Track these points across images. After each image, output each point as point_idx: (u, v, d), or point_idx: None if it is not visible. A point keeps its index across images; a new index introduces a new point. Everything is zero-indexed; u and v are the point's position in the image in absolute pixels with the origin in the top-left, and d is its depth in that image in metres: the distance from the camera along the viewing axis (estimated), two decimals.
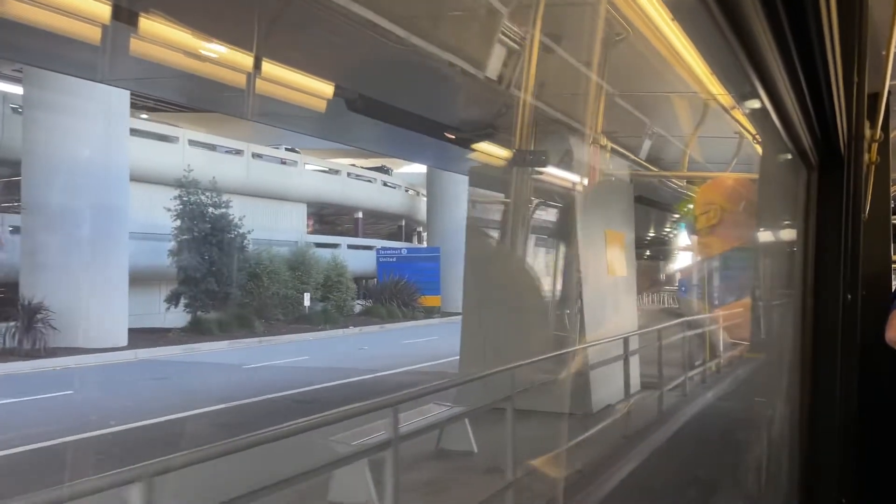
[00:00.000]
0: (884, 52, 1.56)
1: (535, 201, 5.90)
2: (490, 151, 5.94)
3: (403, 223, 24.75)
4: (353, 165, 21.67)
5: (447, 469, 3.76)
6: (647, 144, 6.58)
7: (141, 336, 12.30)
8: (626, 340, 4.91)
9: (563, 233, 5.89)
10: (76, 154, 10.90)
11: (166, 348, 11.66)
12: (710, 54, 0.94)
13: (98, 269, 11.01)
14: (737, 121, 5.05)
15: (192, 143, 15.46)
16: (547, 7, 4.36)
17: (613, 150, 6.17)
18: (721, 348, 7.09)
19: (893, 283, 1.94)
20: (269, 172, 17.85)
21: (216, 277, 13.47)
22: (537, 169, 5.75)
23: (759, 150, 3.60)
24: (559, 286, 5.76)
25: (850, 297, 1.44)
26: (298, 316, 16.02)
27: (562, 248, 5.96)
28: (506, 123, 5.51)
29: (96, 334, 10.75)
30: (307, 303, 16.16)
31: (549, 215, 6.26)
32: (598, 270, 5.94)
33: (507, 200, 5.93)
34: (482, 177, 6.39)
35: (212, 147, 16.39)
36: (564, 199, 5.92)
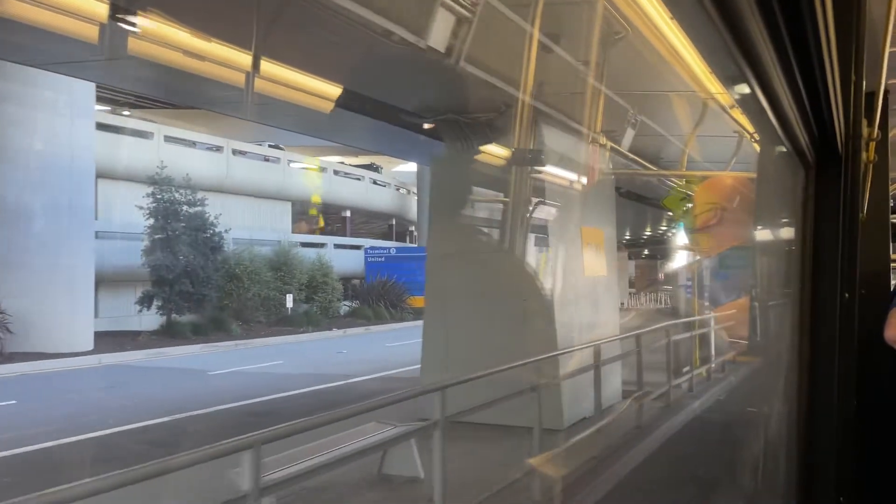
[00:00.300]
0: (881, 51, 1.63)
1: (502, 195, 5.70)
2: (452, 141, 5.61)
3: (394, 222, 24.74)
4: (342, 163, 21.63)
5: (384, 500, 3.28)
6: (629, 134, 6.18)
7: (109, 340, 12.16)
8: (597, 349, 4.59)
9: (533, 229, 5.62)
10: (36, 148, 10.72)
11: (134, 352, 11.56)
12: (707, 53, 0.98)
13: (60, 270, 10.84)
14: (735, 120, 5.15)
15: (168, 139, 15.32)
16: None
17: (593, 140, 5.91)
18: (713, 351, 7.06)
19: (892, 281, 2.02)
20: (250, 170, 17.75)
21: (191, 278, 13.38)
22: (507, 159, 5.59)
23: (757, 148, 3.69)
24: (528, 288, 5.40)
25: (847, 295, 1.50)
26: (280, 318, 15.95)
27: (530, 247, 5.69)
28: (464, 107, 5.26)
29: (59, 338, 10.58)
30: (290, 304, 16.09)
31: (518, 209, 5.95)
32: (572, 270, 5.68)
33: (474, 194, 5.75)
34: (445, 167, 6.06)
35: (191, 144, 16.25)
36: (535, 193, 5.60)
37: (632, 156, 6.82)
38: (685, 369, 6.39)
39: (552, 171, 5.65)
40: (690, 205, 7.12)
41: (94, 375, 9.59)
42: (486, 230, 5.78)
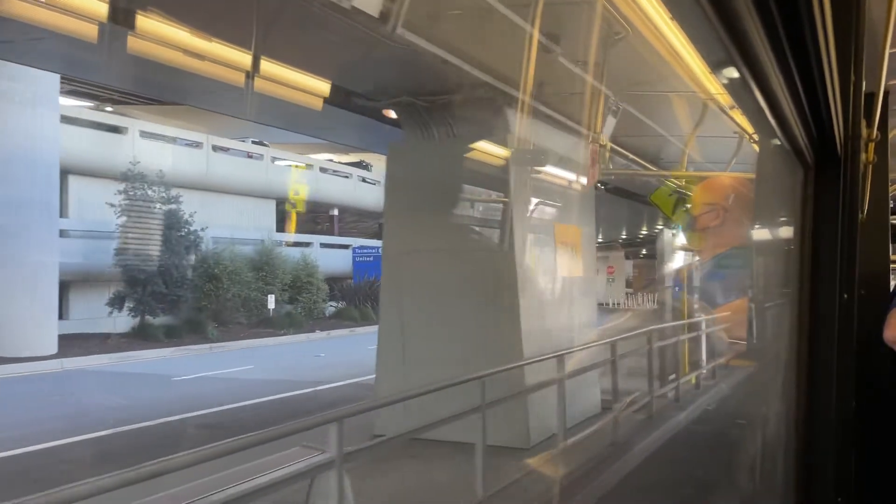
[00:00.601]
0: (881, 51, 1.70)
1: (467, 186, 5.33)
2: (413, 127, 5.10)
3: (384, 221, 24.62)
4: (331, 161, 21.57)
5: None
6: (610, 123, 5.79)
7: (76, 343, 12.01)
8: (563, 358, 4.13)
9: (497, 225, 5.19)
10: None
11: (101, 356, 11.43)
12: (705, 53, 1.02)
13: (21, 269, 10.67)
14: (734, 121, 5.21)
15: (144, 134, 15.17)
16: None
17: (566, 127, 5.55)
18: (704, 356, 6.90)
19: (892, 282, 2.09)
20: (232, 166, 17.64)
21: (164, 278, 13.27)
22: (470, 146, 5.16)
23: (756, 149, 3.75)
24: (492, 290, 5.02)
25: (846, 296, 1.56)
26: (261, 319, 15.87)
27: (496, 245, 5.23)
28: (419, 88, 4.84)
29: (19, 342, 10.45)
30: (271, 305, 16.03)
31: (482, 203, 5.53)
32: (542, 270, 5.36)
33: (434, 186, 5.22)
34: (401, 156, 5.62)
35: (171, 139, 16.10)
36: (501, 186, 5.16)
37: (624, 152, 6.68)
38: (671, 377, 6.06)
39: (519, 161, 5.28)
40: (677, 199, 6.96)
41: (49, 382, 9.41)
42: (446, 226, 5.34)
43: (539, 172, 5.49)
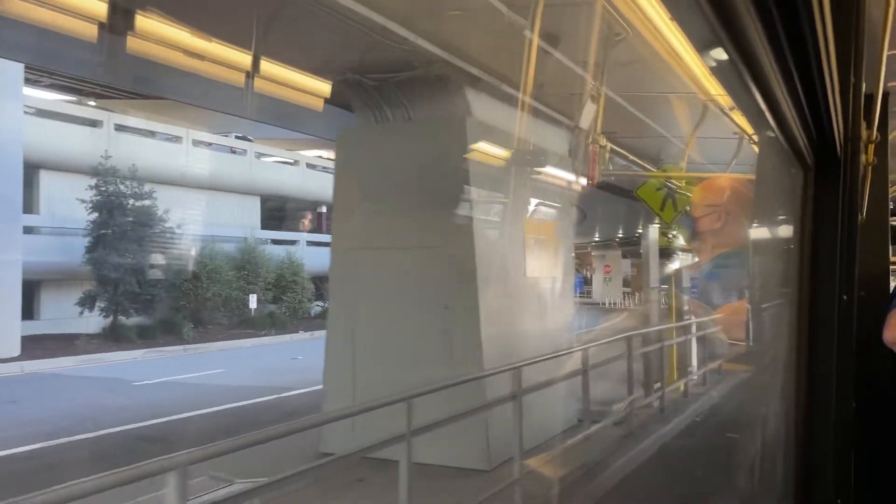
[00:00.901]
0: (880, 53, 1.75)
1: (424, 175, 4.80)
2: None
3: None
4: (320, 157, 21.48)
5: None
6: (590, 109, 5.40)
7: (43, 344, 11.88)
8: (517, 373, 3.62)
9: (458, 218, 4.77)
10: None
11: (65, 359, 11.33)
12: (704, 54, 1.04)
13: None
14: (734, 122, 5.26)
15: (119, 127, 15.00)
16: None
17: (542, 114, 5.19)
18: (694, 361, 6.74)
19: (892, 283, 2.16)
20: (213, 162, 17.50)
21: (137, 277, 13.15)
22: (428, 130, 4.73)
23: (756, 150, 3.80)
24: (451, 291, 4.67)
25: (845, 298, 1.61)
26: (242, 320, 15.78)
27: (457, 241, 4.76)
28: (367, 65, 4.43)
29: None
30: (253, 305, 15.95)
31: (441, 195, 4.91)
32: (509, 270, 4.96)
33: (388, 175, 4.87)
34: (352, 142, 5.26)
35: (150, 133, 15.95)
36: (462, 174, 4.70)
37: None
38: (656, 385, 5.72)
39: (484, 149, 4.90)
40: (666, 195, 6.66)
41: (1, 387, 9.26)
42: (400, 220, 4.89)
43: (510, 163, 5.16)
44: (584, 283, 27.16)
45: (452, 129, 4.74)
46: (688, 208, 6.81)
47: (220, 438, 2.11)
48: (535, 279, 5.36)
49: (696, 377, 6.79)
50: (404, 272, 4.82)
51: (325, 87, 4.55)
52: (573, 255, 6.59)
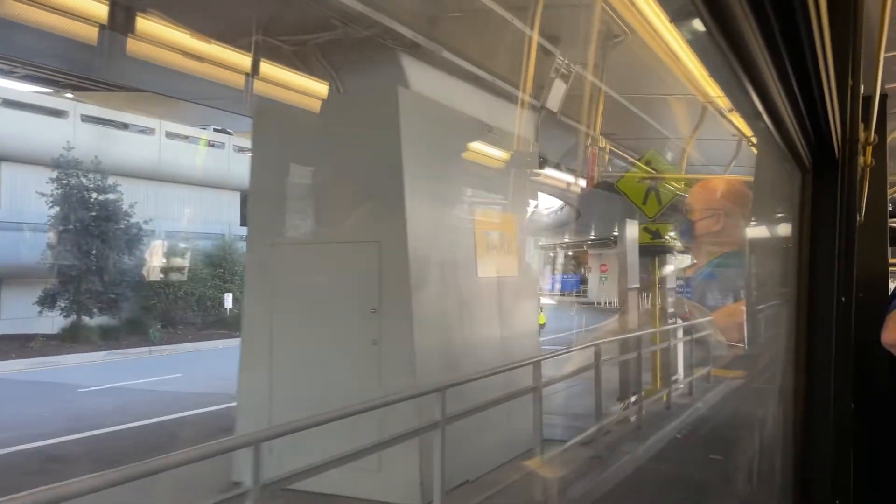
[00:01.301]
0: (877, 54, 1.83)
1: (354, 157, 4.31)
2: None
3: None
4: None
5: None
6: (559, 88, 4.78)
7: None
8: (441, 397, 3.14)
9: (391, 207, 4.20)
10: None
11: (17, 361, 11.17)
12: (703, 57, 1.09)
13: None
14: (733, 124, 5.31)
15: (85, 118, 14.75)
16: None
17: (494, 88, 4.62)
18: (680, 368, 6.46)
19: (891, 285, 2.25)
20: (189, 155, 17.31)
21: (100, 275, 12.98)
22: (361, 104, 4.25)
23: (754, 152, 3.87)
24: (376, 293, 4.17)
25: (844, 299, 1.69)
26: (217, 319, 15.65)
27: (384, 233, 4.25)
28: (281, 25, 3.93)
29: None
30: (229, 304, 15.82)
31: (372, 181, 4.37)
32: (452, 269, 4.44)
33: (309, 156, 4.40)
34: (273, 118, 4.62)
35: (122, 126, 15.70)
36: (393, 158, 4.16)
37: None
38: (632, 398, 5.34)
39: (424, 127, 4.36)
40: (649, 188, 6.32)
41: None
42: (326, 210, 4.44)
43: (457, 144, 4.64)
44: (580, 283, 27.42)
45: (384, 102, 4.17)
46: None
47: (138, 458, 1.91)
48: (488, 280, 4.78)
49: (681, 386, 6.41)
50: (329, 270, 4.34)
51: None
52: (535, 251, 6.58)
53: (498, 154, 5.15)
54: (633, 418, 5.26)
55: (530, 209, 5.83)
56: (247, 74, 3.62)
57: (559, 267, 27.84)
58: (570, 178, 7.59)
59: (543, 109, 4.94)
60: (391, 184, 4.21)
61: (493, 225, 4.96)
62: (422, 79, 4.33)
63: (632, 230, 6.59)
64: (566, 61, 4.66)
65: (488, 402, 3.71)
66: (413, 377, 3.92)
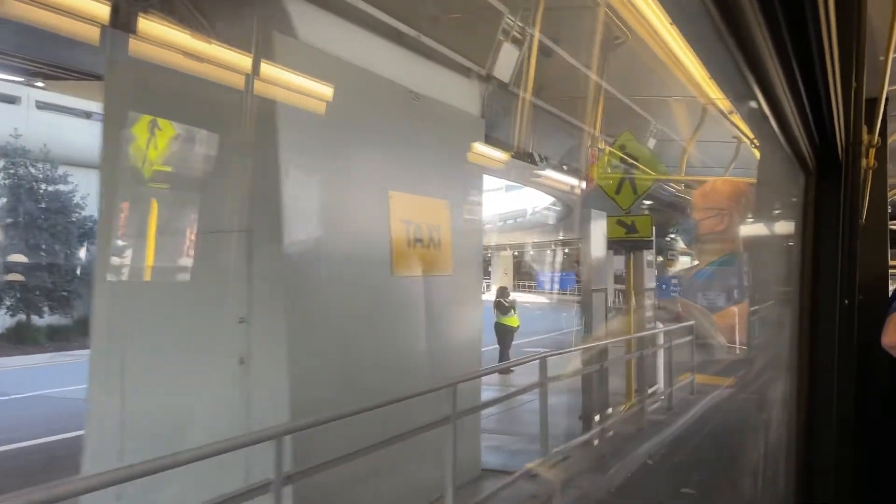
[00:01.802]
0: (882, 58, 1.95)
1: (217, 126, 3.39)
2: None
3: None
4: None
5: None
6: (509, 53, 4.24)
7: None
8: (294, 441, 2.37)
9: (262, 187, 3.33)
10: None
11: None
12: (709, 59, 1.17)
13: None
14: (734, 125, 5.42)
15: (41, 105, 14.38)
16: None
17: (419, 47, 3.94)
18: (660, 379, 6.03)
19: (892, 287, 2.37)
20: None
21: (50, 272, 12.69)
22: (234, 54, 2.97)
23: (757, 154, 3.99)
24: (247, 297, 3.29)
25: (846, 301, 1.79)
26: None
27: (258, 222, 3.37)
28: None
29: None
30: None
31: (244, 156, 3.34)
32: (355, 266, 3.64)
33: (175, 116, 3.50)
34: (128, 72, 3.59)
35: (84, 114, 15.29)
36: (267, 124, 3.19)
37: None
38: (595, 418, 4.86)
39: (318, 90, 3.45)
40: (622, 178, 5.73)
41: None
42: (188, 192, 3.72)
43: (363, 111, 3.78)
44: (576, 280, 27.55)
45: (257, 52, 3.26)
46: (637, 186, 5.78)
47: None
48: (409, 280, 4.07)
49: (660, 400, 5.78)
50: (192, 268, 3.61)
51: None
52: (480, 246, 5.14)
53: (426, 127, 4.29)
54: (596, 442, 4.63)
55: (477, 196, 4.87)
56: (103, 26, 2.78)
57: (557, 265, 27.93)
58: (557, 174, 7.46)
59: (491, 78, 4.38)
60: (264, 155, 3.31)
61: (417, 213, 4.14)
62: (316, 27, 3.50)
63: (598, 224, 5.96)
64: (518, 22, 4.11)
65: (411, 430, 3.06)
66: (285, 409, 3.12)
